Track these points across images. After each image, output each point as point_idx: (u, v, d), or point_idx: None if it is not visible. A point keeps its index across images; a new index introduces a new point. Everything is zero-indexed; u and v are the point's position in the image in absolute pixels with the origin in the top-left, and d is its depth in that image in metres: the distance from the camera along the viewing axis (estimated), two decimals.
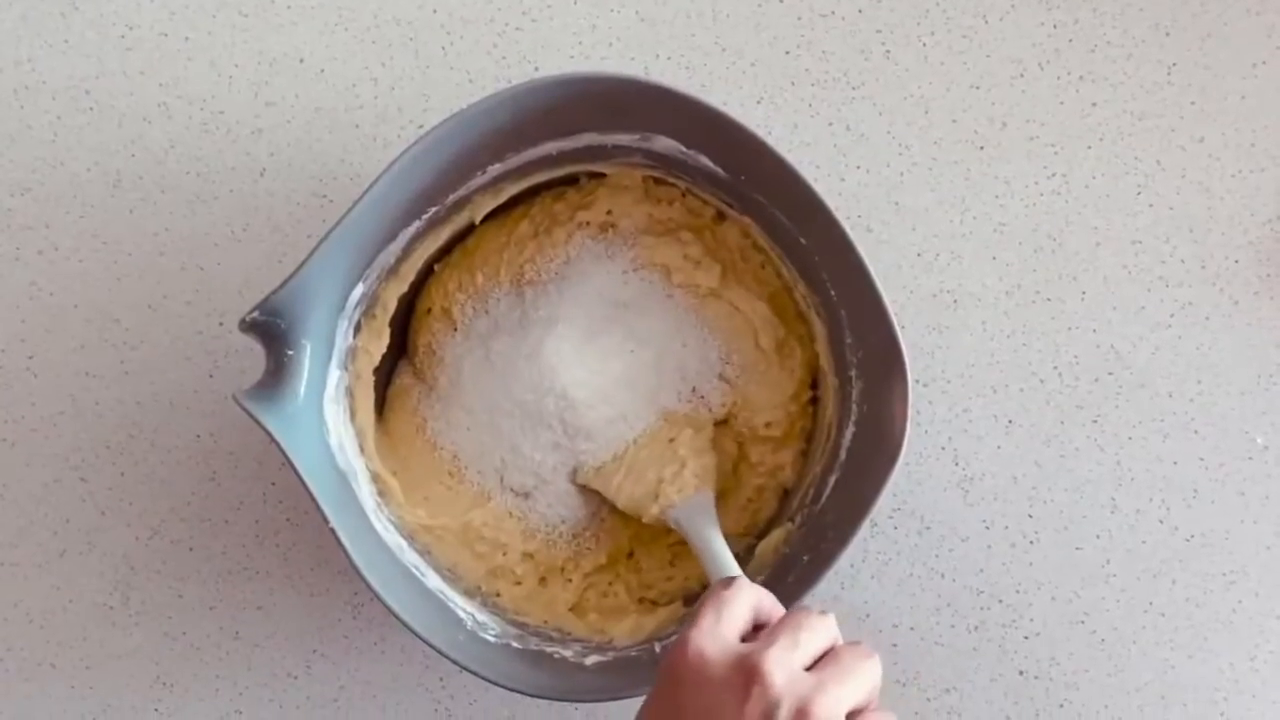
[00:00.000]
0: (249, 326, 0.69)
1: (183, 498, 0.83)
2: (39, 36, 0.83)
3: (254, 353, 0.71)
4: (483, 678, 0.71)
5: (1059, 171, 0.84)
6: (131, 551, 0.83)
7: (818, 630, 0.61)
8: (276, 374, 0.71)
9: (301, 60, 0.84)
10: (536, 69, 0.84)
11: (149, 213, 0.83)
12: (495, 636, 0.75)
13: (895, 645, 0.84)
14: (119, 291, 0.83)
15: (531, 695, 0.72)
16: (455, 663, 0.71)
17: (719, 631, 0.61)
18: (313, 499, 0.68)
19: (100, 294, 0.83)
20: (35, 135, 0.83)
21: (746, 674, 0.58)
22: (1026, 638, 0.84)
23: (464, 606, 0.76)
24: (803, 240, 0.74)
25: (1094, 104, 0.84)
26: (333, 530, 0.69)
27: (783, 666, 0.58)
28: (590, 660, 0.75)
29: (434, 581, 0.76)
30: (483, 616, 0.76)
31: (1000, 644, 0.84)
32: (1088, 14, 0.84)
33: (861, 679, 0.59)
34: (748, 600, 0.63)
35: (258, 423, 0.68)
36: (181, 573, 0.84)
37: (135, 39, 0.83)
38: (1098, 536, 0.84)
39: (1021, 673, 0.84)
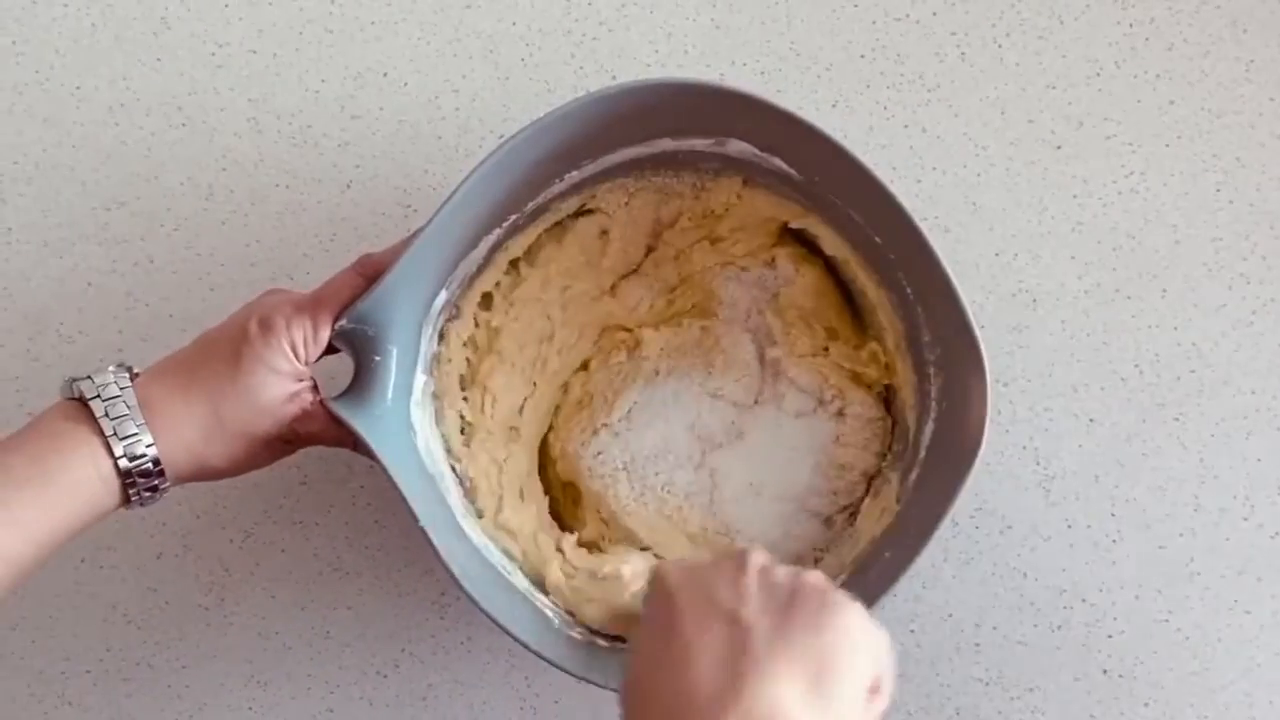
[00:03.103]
0: (338, 334, 0.70)
1: (275, 501, 0.84)
2: (133, 55, 0.85)
3: (342, 359, 0.72)
4: (571, 674, 0.71)
5: (1137, 170, 0.83)
6: (226, 554, 0.85)
7: None
8: (365, 380, 0.72)
9: (385, 74, 0.85)
10: (614, 77, 0.84)
11: (240, 225, 0.85)
12: (582, 634, 0.75)
13: (978, 645, 0.83)
14: (212, 301, 0.84)
15: (618, 691, 0.72)
16: (544, 659, 0.71)
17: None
18: (403, 499, 0.69)
19: (194, 304, 0.84)
20: (130, 151, 0.85)
21: (736, 556, 0.62)
22: (1110, 636, 0.83)
23: (551, 605, 0.76)
24: (878, 240, 0.74)
25: (1171, 102, 0.83)
26: (422, 529, 0.69)
27: (764, 554, 0.63)
28: None
29: (521, 581, 0.76)
30: (573, 617, 0.76)
31: (1084, 643, 0.83)
32: (1163, 12, 0.83)
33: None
34: None
35: (349, 427, 0.69)
36: (274, 574, 0.85)
37: (225, 56, 0.85)
38: (1181, 535, 0.83)
39: (1105, 672, 0.83)
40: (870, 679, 0.59)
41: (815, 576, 0.61)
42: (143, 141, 0.85)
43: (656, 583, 0.64)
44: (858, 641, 0.59)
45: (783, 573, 0.61)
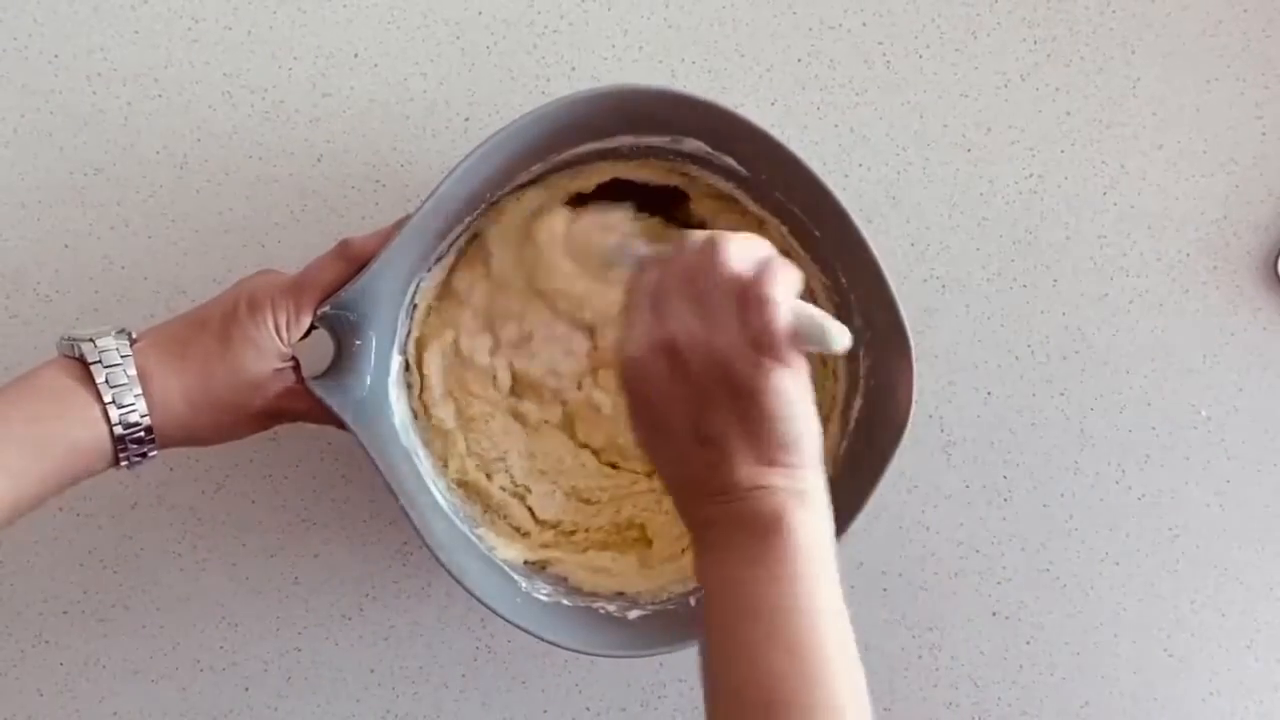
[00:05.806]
0: (320, 318, 0.72)
1: (246, 455, 0.87)
2: (110, 27, 0.85)
3: (327, 340, 0.75)
4: (536, 636, 0.76)
5: (1036, 173, 0.91)
6: (198, 504, 0.87)
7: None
8: (345, 362, 0.75)
9: (356, 55, 0.87)
10: (573, 69, 0.88)
11: (213, 193, 0.87)
12: (547, 595, 0.80)
13: (885, 590, 0.91)
14: (186, 265, 0.87)
15: (587, 654, 0.78)
16: (514, 625, 0.75)
17: None
18: (385, 484, 0.73)
19: (168, 268, 0.86)
20: (107, 119, 0.86)
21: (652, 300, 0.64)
22: (999, 583, 0.92)
23: (519, 570, 0.81)
24: (816, 233, 0.80)
25: (1068, 113, 0.91)
26: (403, 509, 0.73)
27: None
28: (632, 614, 0.80)
29: (488, 540, 0.82)
30: (537, 579, 0.81)
31: (976, 589, 0.91)
32: (1064, 32, 0.90)
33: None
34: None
35: (333, 415, 0.72)
36: (245, 523, 0.88)
37: (200, 31, 0.86)
38: (1062, 495, 0.92)
39: (994, 614, 0.92)
40: (798, 426, 0.61)
41: (728, 341, 0.61)
42: (119, 111, 0.86)
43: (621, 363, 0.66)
44: (789, 405, 0.61)
45: (694, 343, 0.62)
